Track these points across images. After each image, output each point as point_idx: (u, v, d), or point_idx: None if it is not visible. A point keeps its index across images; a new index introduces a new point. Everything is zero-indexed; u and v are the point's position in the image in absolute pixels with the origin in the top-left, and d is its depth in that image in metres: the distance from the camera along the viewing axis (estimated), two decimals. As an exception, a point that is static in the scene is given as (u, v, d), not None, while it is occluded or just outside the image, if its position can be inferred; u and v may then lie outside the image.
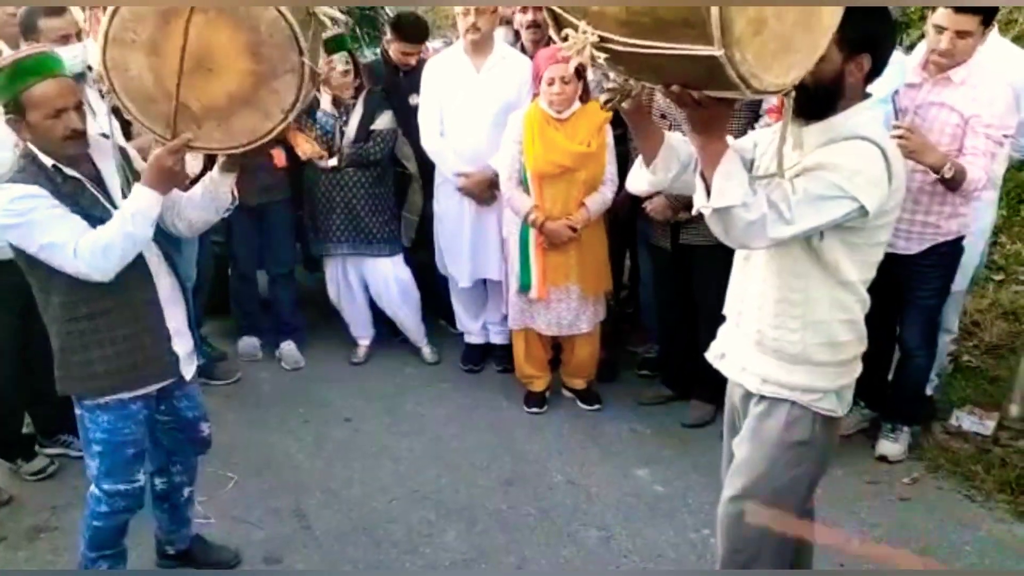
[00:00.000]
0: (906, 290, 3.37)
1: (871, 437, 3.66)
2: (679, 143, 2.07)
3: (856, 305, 2.08)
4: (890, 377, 3.66)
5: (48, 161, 2.33)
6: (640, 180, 2.17)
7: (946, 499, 3.32)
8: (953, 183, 3.06)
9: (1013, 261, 5.18)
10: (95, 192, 2.38)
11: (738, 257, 2.23)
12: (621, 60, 1.60)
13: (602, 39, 1.55)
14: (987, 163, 3.12)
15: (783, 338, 2.07)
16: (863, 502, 3.29)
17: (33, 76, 2.26)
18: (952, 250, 3.33)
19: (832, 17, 1.71)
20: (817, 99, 1.93)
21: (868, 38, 1.92)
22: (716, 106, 1.67)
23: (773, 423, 2.14)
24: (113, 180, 2.44)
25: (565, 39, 1.60)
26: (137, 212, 2.31)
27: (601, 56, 1.59)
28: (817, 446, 2.15)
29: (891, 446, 3.57)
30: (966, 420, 3.70)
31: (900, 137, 2.94)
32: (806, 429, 2.12)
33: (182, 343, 2.59)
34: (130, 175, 2.44)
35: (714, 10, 1.40)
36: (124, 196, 2.39)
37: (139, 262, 2.40)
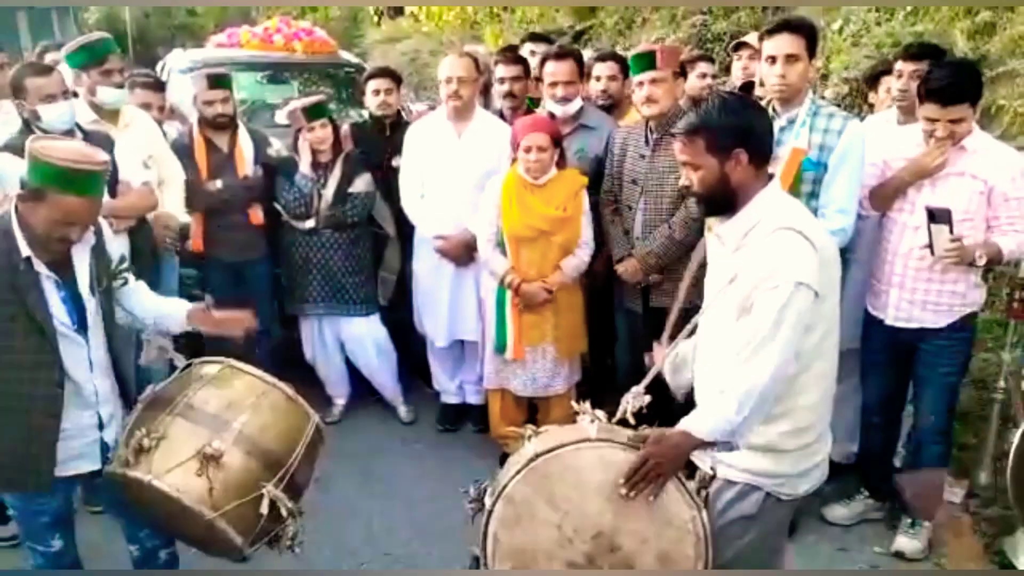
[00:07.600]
0: (924, 368, 3.25)
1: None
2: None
3: (817, 383, 2.12)
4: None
5: (24, 249, 2.25)
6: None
7: (916, 568, 3.33)
8: (990, 263, 3.09)
9: (982, 329, 5.25)
10: (45, 294, 2.30)
11: (704, 344, 2.28)
12: None
13: None
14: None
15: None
16: (834, 568, 3.29)
17: (73, 189, 2.18)
18: (972, 322, 3.30)
19: None
20: (715, 201, 2.09)
21: (736, 135, 2.02)
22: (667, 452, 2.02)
23: (720, 498, 2.17)
24: (82, 265, 2.39)
25: None
26: None
27: None
28: (762, 521, 2.17)
29: (910, 542, 3.35)
30: (936, 488, 3.72)
31: (953, 254, 2.98)
32: (753, 504, 2.15)
33: (116, 428, 2.52)
34: (101, 261, 2.43)
35: None
36: (90, 280, 2.38)
37: (46, 367, 2.31)
